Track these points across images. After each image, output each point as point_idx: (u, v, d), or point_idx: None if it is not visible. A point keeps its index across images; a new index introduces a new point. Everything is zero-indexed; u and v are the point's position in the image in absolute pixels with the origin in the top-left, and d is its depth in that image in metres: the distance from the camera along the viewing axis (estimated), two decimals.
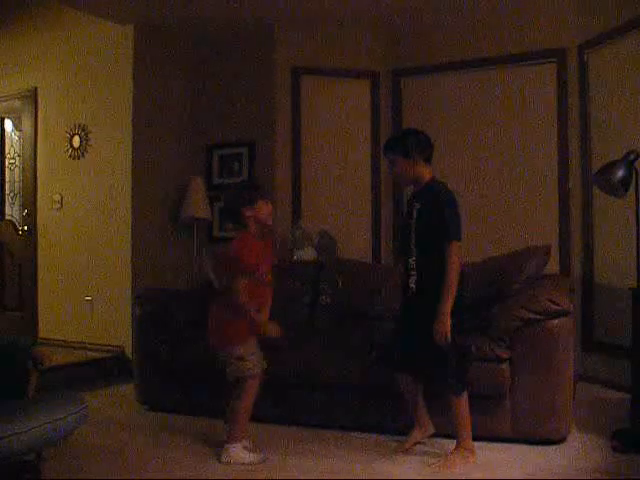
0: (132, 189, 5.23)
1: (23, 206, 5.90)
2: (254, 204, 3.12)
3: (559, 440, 3.26)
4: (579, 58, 4.84)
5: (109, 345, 5.19)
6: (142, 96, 5.32)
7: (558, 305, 3.25)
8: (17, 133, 6.06)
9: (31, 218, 5.78)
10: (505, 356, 3.30)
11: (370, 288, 4.24)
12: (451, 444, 3.11)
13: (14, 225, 6.01)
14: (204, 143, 5.77)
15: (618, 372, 4.16)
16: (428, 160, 3.15)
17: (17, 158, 6.07)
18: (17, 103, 5.93)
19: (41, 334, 5.61)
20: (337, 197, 5.51)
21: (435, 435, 3.33)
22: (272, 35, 5.46)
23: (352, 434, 3.50)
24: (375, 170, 5.55)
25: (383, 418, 3.51)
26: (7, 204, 6.13)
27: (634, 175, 3.39)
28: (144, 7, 5.01)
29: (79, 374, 4.70)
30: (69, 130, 5.53)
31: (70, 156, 5.52)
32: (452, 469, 2.95)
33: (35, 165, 5.79)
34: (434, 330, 2.94)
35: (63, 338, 5.37)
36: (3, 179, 6.15)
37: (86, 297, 5.37)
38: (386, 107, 5.57)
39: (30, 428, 2.20)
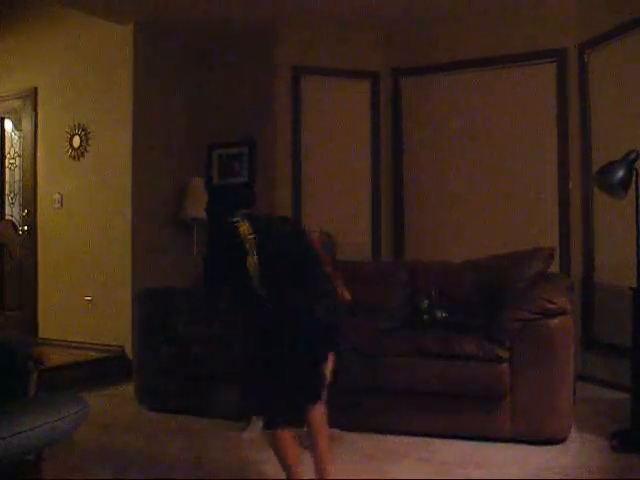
0: (132, 189, 5.23)
1: (23, 206, 5.90)
2: None
3: (559, 440, 3.26)
4: (579, 58, 4.84)
5: (109, 345, 5.18)
6: (142, 96, 5.31)
7: (554, 304, 3.25)
8: (17, 133, 6.05)
9: (31, 218, 5.78)
10: (505, 356, 3.30)
11: None
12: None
13: (14, 225, 6.01)
14: (204, 143, 5.77)
15: (618, 372, 4.15)
16: None
17: (17, 158, 6.07)
18: (17, 103, 5.92)
19: (41, 334, 5.61)
20: (337, 197, 5.51)
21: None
22: (272, 35, 5.46)
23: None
24: (375, 170, 5.55)
25: None
26: (7, 204, 6.12)
27: (634, 175, 3.39)
28: (144, 7, 5.01)
29: (79, 374, 4.70)
30: (69, 130, 5.53)
31: (70, 156, 5.52)
32: None
33: (35, 165, 5.79)
34: None
35: (63, 338, 5.37)
36: (3, 179, 6.14)
37: (86, 297, 5.37)
38: (386, 107, 5.56)
39: (30, 428, 2.20)
